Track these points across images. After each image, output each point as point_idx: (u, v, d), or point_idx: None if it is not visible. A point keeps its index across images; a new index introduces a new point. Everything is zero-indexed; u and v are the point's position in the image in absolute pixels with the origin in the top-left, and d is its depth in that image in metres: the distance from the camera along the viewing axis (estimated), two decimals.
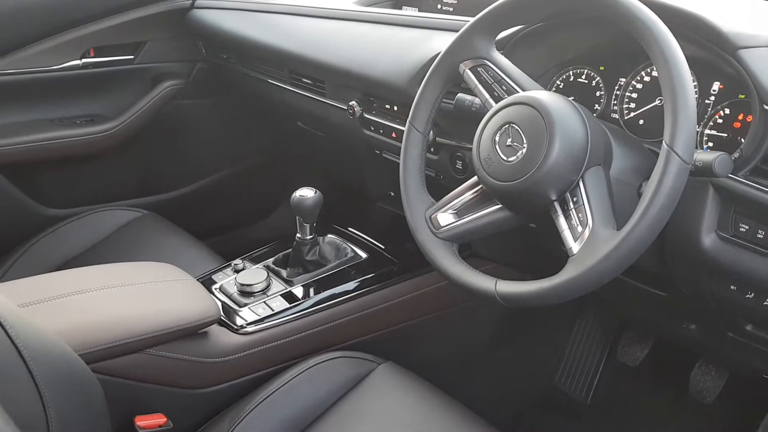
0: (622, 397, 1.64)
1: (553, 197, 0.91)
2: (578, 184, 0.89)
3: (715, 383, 1.46)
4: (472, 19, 1.04)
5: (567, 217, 0.90)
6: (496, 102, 0.98)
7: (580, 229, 0.88)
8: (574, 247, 0.87)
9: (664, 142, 0.81)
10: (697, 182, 0.91)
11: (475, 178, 1.01)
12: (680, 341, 1.36)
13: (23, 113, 1.76)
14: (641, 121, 1.07)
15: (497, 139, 0.94)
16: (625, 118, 1.09)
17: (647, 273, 1.07)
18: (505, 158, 0.93)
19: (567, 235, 0.89)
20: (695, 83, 1.00)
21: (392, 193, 1.72)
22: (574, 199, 0.89)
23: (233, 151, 2.14)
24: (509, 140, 0.92)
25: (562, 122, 0.89)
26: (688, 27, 0.93)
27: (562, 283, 0.86)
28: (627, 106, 1.09)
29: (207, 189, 2.11)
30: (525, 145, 0.91)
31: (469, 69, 1.04)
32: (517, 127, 0.92)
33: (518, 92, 0.99)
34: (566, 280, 0.86)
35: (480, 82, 1.03)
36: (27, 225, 1.71)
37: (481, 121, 0.98)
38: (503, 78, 1.01)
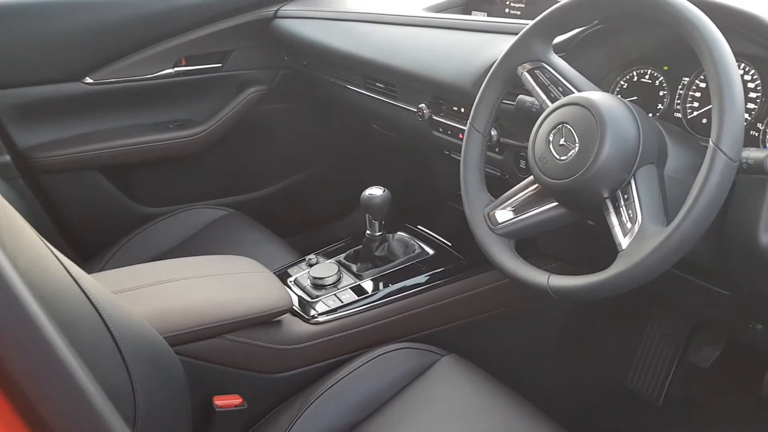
0: (694, 399, 1.61)
1: (605, 195, 0.92)
2: (630, 182, 0.91)
3: None
4: (529, 23, 1.07)
5: (618, 213, 0.91)
6: (553, 103, 1.01)
7: (629, 225, 0.89)
8: (623, 242, 0.89)
9: (710, 140, 0.81)
10: (755, 180, 0.90)
11: (532, 177, 1.04)
12: (750, 342, 1.34)
13: (121, 118, 1.87)
14: (704, 120, 1.06)
15: (551, 138, 0.96)
16: (688, 117, 1.08)
17: (708, 270, 1.06)
18: (558, 157, 0.95)
19: (617, 231, 0.90)
20: (759, 81, 1.00)
21: (461, 192, 1.75)
22: (625, 196, 0.91)
23: (313, 153, 2.20)
24: (562, 140, 0.95)
25: (613, 122, 0.90)
26: (743, 26, 0.93)
27: (611, 277, 0.88)
28: (690, 105, 1.08)
29: (288, 189, 2.18)
30: (577, 145, 0.93)
31: (527, 71, 1.07)
32: (569, 127, 0.94)
33: (574, 93, 1.01)
34: (615, 274, 0.87)
35: (537, 84, 1.06)
36: (124, 222, 1.83)
37: None
38: (560, 80, 1.04)
